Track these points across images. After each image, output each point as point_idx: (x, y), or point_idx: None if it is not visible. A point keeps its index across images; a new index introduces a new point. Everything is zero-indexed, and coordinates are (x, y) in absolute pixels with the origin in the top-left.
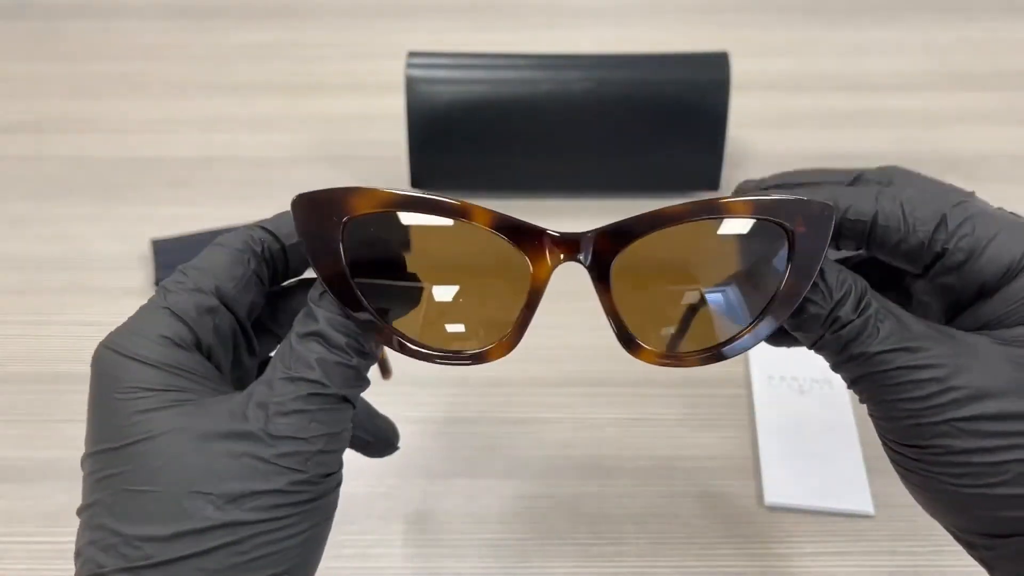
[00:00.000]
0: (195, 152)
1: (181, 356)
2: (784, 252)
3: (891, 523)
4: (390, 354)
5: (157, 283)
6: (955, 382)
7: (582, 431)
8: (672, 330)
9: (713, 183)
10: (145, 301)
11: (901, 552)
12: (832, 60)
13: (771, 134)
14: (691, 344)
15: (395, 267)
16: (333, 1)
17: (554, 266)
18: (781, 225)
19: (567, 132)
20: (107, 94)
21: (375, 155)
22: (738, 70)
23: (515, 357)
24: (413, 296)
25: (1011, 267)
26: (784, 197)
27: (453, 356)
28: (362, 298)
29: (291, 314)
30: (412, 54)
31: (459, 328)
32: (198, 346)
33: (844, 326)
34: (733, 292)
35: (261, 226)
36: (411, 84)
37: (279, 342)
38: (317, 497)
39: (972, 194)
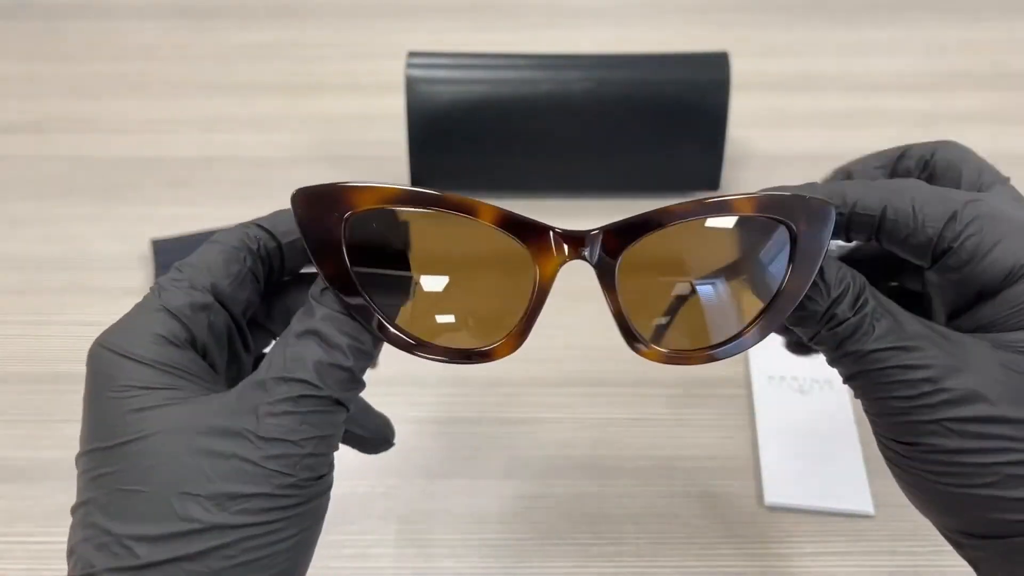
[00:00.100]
0: (195, 152)
1: (175, 354)
2: (786, 249)
3: (891, 523)
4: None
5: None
6: (947, 383)
7: (582, 431)
8: (677, 328)
9: (713, 183)
10: None
11: (901, 552)
12: (832, 60)
13: (771, 134)
14: (695, 341)
15: (399, 264)
16: (333, 1)
17: (560, 263)
18: (783, 222)
19: (567, 132)
20: (107, 94)
21: (375, 155)
22: (738, 70)
23: (515, 357)
24: (416, 293)
25: (1013, 271)
26: (784, 194)
27: (459, 355)
28: (365, 296)
29: (286, 311)
30: (412, 54)
31: (465, 326)
32: (192, 344)
33: (840, 323)
34: (737, 289)
35: (257, 223)
36: (411, 84)
37: (274, 339)
38: (306, 501)
39: (1007, 180)
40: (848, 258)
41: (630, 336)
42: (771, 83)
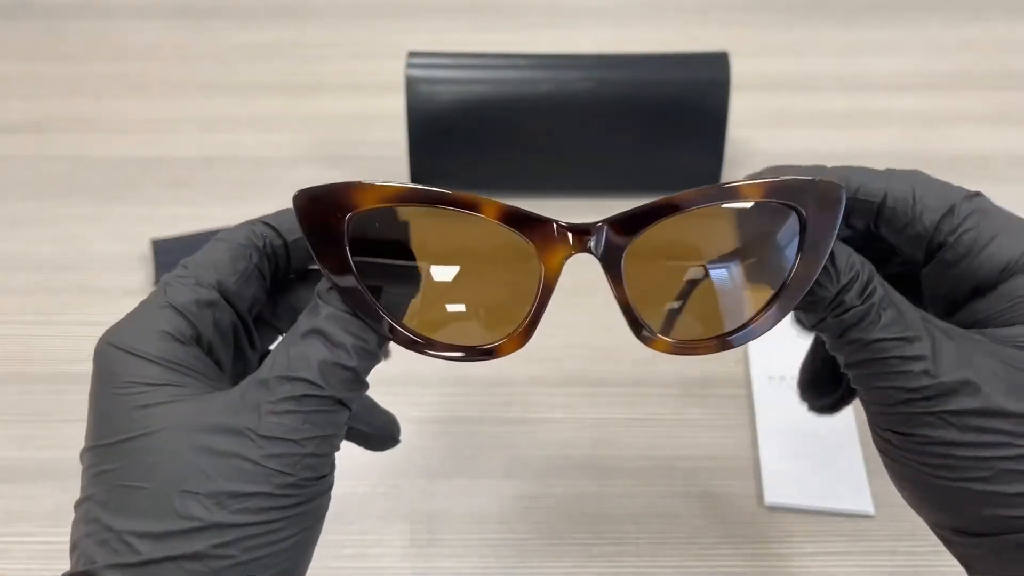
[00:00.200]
0: (195, 152)
1: (180, 351)
2: (796, 234)
3: (891, 523)
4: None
5: (157, 283)
6: (946, 376)
7: (582, 431)
8: (684, 317)
9: (713, 183)
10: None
11: (901, 552)
12: (832, 60)
13: (771, 134)
14: (704, 331)
15: (403, 262)
16: (333, 1)
17: (565, 258)
18: (793, 207)
19: (567, 132)
20: (107, 94)
21: (375, 155)
22: (738, 70)
23: (516, 356)
24: (421, 291)
25: (1008, 266)
26: (795, 178)
27: (465, 352)
28: (369, 295)
29: (292, 309)
30: (412, 54)
31: (470, 323)
32: (198, 340)
33: (848, 310)
34: (745, 277)
35: (264, 221)
36: (411, 84)
37: (280, 336)
38: (306, 501)
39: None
40: None
41: (637, 327)
42: (771, 83)
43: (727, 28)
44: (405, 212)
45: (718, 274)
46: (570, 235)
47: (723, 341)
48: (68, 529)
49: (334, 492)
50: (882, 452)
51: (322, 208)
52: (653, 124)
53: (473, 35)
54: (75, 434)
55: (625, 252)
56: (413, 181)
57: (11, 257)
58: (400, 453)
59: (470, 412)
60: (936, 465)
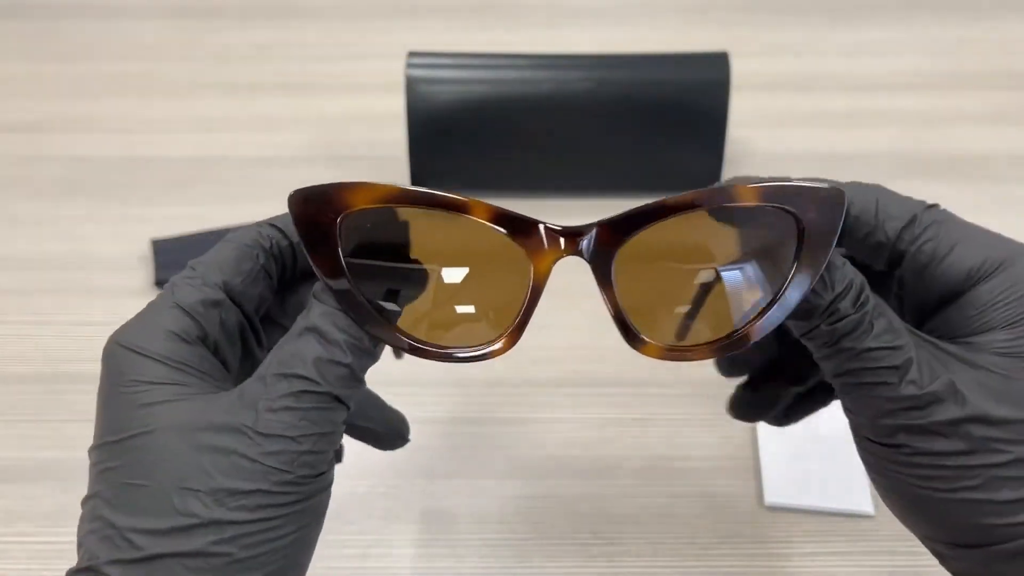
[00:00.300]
0: (195, 152)
1: (185, 351)
2: (793, 241)
3: (891, 523)
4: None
5: (157, 283)
6: (932, 386)
7: (582, 431)
8: (676, 324)
9: (713, 183)
10: (145, 301)
11: (901, 552)
12: (832, 60)
13: (771, 134)
14: (696, 337)
15: (394, 263)
16: (333, 1)
17: (555, 260)
18: (791, 212)
19: (567, 132)
20: (107, 94)
21: (375, 155)
22: (738, 70)
23: (515, 357)
24: (413, 292)
25: (971, 273)
26: (794, 183)
27: (453, 354)
28: (360, 294)
29: (299, 308)
30: (412, 54)
31: (459, 325)
32: (204, 340)
33: (841, 319)
34: (740, 283)
35: (270, 223)
36: (411, 84)
37: None
38: (304, 498)
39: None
40: None
41: (627, 332)
42: (771, 83)
43: (727, 28)
44: (396, 213)
45: (711, 279)
46: (559, 238)
47: (715, 347)
48: (68, 529)
49: (334, 492)
50: (869, 466)
51: (314, 208)
52: (653, 124)
53: (473, 35)
54: (75, 434)
55: (615, 256)
56: (413, 181)
57: (11, 257)
58: (400, 453)
59: (470, 412)
60: (925, 476)
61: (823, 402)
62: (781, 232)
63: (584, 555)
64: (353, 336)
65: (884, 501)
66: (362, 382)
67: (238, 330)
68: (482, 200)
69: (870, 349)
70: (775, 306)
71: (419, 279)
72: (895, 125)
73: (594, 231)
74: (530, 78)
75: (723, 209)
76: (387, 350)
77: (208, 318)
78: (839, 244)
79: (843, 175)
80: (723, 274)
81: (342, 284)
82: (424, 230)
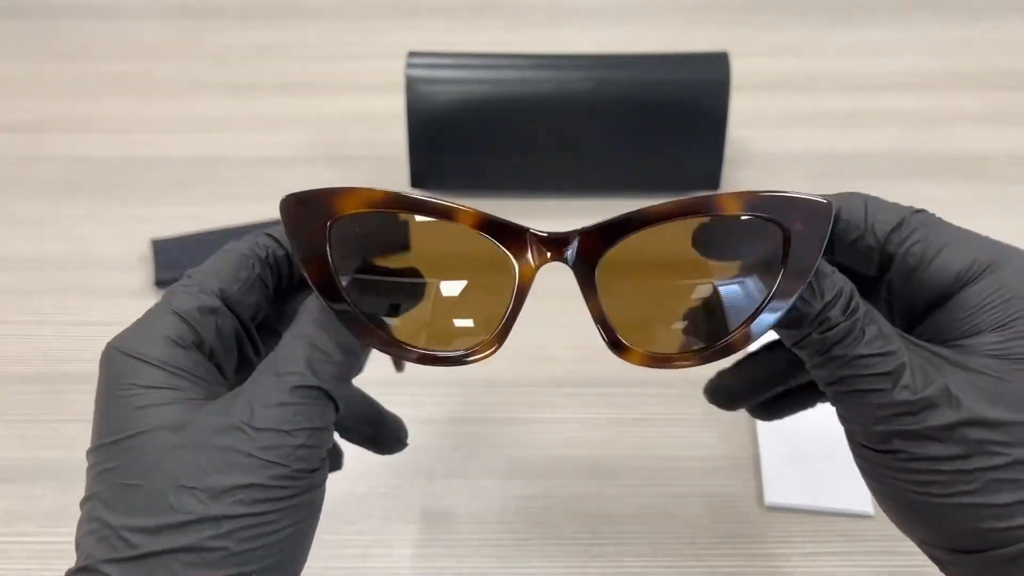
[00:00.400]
0: (195, 152)
1: (181, 356)
2: (779, 251)
3: (891, 523)
4: None
5: (157, 283)
6: (926, 391)
7: (582, 431)
8: (660, 331)
9: (713, 183)
10: (145, 301)
11: (901, 552)
12: (832, 60)
13: (771, 134)
14: (679, 346)
15: (381, 267)
16: (333, 1)
17: (539, 266)
18: (776, 222)
19: (567, 132)
20: (107, 94)
21: (375, 155)
22: (738, 70)
23: (515, 357)
24: (399, 296)
25: (959, 276)
26: (780, 193)
27: (438, 358)
28: (347, 298)
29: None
30: (412, 54)
31: (445, 329)
32: (200, 346)
33: (832, 327)
34: (726, 291)
35: (267, 233)
36: (411, 84)
37: None
38: (299, 493)
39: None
40: None
41: (611, 340)
42: (771, 83)
43: (727, 28)
44: (384, 218)
45: (696, 288)
46: (544, 244)
47: (701, 356)
48: (68, 529)
49: (334, 492)
50: (865, 473)
51: (304, 213)
52: (653, 124)
53: (473, 35)
54: (75, 434)
55: (599, 263)
56: (413, 181)
57: (11, 257)
58: (400, 453)
59: (470, 412)
60: (921, 482)
61: (811, 402)
62: (767, 242)
63: (584, 555)
64: (342, 338)
65: (881, 507)
66: (350, 383)
67: (234, 337)
68: (469, 206)
69: (862, 356)
70: (761, 315)
71: (406, 284)
72: (895, 125)
73: (579, 237)
74: (530, 78)
75: (708, 219)
76: (388, 361)
77: (205, 324)
78: (828, 253)
79: (843, 175)
80: (708, 283)
81: (331, 288)
82: (412, 234)
